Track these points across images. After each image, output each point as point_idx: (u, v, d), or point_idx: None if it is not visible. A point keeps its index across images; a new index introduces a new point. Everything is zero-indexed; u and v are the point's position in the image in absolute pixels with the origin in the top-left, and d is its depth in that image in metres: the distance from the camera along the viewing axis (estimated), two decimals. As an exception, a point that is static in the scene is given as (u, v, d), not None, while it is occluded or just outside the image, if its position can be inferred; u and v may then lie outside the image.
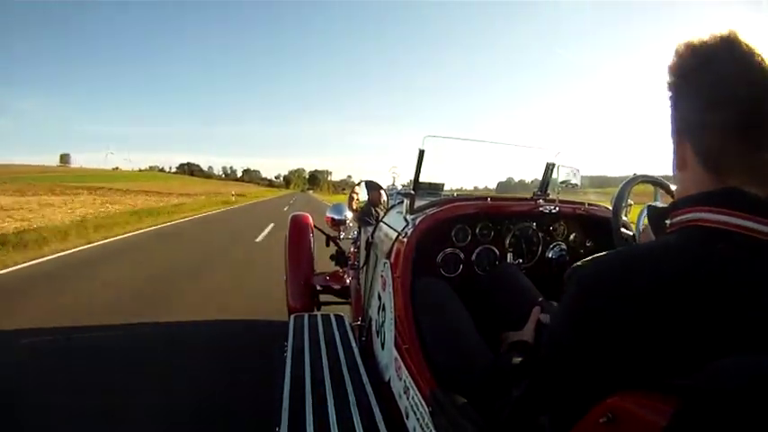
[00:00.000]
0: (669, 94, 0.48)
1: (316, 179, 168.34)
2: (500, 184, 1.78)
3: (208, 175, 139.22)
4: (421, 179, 1.26)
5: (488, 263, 1.27)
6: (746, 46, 0.42)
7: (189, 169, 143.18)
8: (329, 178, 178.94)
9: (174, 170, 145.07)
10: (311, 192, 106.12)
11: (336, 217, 2.50)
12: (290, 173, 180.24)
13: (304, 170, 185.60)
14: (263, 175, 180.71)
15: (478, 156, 1.60)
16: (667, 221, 0.48)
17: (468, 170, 1.82)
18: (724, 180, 0.44)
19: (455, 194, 1.69)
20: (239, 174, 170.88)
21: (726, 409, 0.32)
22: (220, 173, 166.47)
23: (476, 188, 2.05)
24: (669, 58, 0.48)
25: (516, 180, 1.36)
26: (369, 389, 1.14)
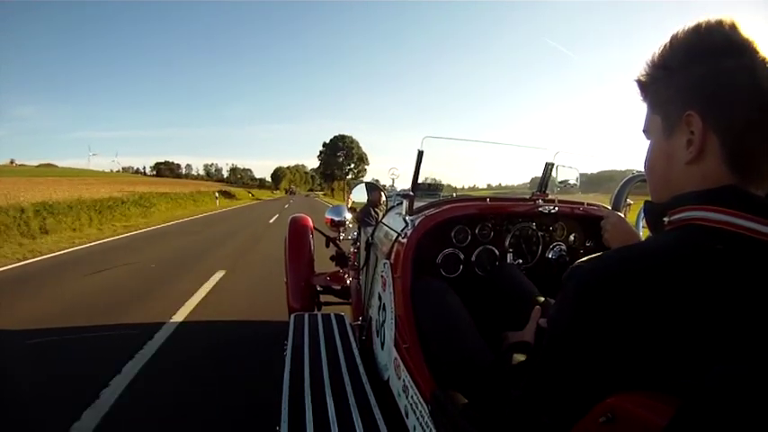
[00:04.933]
0: (685, 75, 0.46)
1: (334, 164, 69.67)
2: (533, 180, 1.78)
3: (177, 175, 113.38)
4: (420, 180, 1.26)
5: (488, 263, 1.27)
6: None
7: (158, 169, 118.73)
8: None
9: (148, 170, 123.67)
10: (318, 195, 61.71)
11: (336, 218, 2.51)
12: (288, 168, 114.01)
13: (305, 166, 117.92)
14: (256, 176, 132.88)
15: (478, 156, 1.60)
16: (665, 219, 0.48)
17: (467, 170, 1.81)
18: (744, 180, 0.43)
19: (455, 195, 1.70)
20: (225, 173, 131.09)
21: (726, 410, 0.32)
22: (202, 173, 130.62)
23: (489, 186, 2.02)
24: (698, 36, 0.45)
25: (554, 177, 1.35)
26: (368, 388, 1.14)
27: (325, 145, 70.13)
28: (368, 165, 64.25)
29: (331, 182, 67.80)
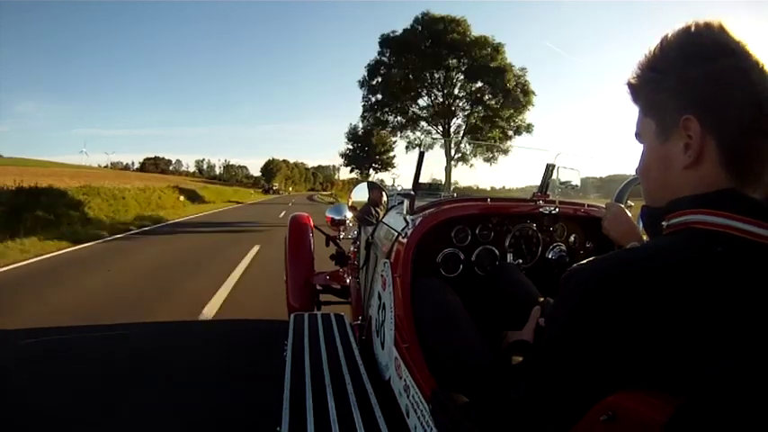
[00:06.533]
0: (683, 81, 0.45)
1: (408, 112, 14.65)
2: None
3: (162, 171, 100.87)
4: (421, 179, 1.26)
5: (488, 263, 1.27)
6: None
7: (144, 164, 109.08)
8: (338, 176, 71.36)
9: (136, 166, 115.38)
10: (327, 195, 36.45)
11: (336, 217, 2.50)
12: (284, 162, 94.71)
13: (304, 164, 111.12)
14: (253, 173, 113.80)
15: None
16: (664, 223, 0.48)
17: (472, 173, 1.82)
18: (742, 183, 0.43)
19: (454, 195, 1.70)
20: (218, 170, 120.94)
21: (726, 409, 0.32)
22: (193, 169, 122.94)
23: (492, 188, 2.02)
24: (696, 39, 0.45)
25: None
26: (369, 387, 1.14)
27: (385, 48, 18.11)
28: (531, 107, 16.58)
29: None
